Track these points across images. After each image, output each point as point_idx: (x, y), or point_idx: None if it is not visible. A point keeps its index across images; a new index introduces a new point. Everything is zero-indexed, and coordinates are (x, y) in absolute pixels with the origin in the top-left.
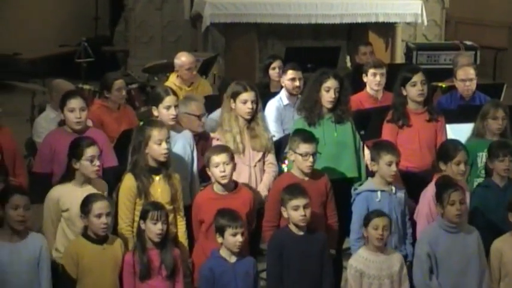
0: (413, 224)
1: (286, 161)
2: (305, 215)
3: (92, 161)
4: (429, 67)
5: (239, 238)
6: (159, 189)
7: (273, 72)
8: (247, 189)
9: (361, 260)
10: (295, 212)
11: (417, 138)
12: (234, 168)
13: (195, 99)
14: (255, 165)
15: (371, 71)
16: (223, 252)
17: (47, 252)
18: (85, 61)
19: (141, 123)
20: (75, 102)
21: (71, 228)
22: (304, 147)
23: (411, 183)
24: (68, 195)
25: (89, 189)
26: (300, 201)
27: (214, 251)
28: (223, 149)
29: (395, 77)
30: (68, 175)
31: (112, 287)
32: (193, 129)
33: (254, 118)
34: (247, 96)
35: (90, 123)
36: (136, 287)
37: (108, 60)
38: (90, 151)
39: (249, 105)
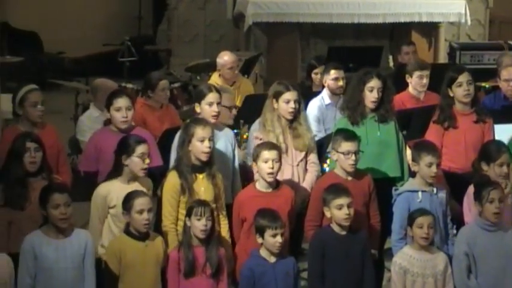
0: (458, 225)
1: (328, 161)
2: (349, 214)
3: (142, 158)
4: (473, 67)
5: (279, 239)
6: (202, 187)
7: (316, 77)
8: (289, 188)
9: (405, 257)
10: (339, 211)
11: (463, 140)
12: (279, 168)
13: (226, 91)
14: (297, 165)
15: (417, 73)
16: (263, 252)
17: (92, 248)
18: (128, 60)
19: (188, 121)
20: (121, 102)
21: (117, 225)
22: (346, 146)
23: (456, 184)
24: (115, 192)
25: (136, 186)
26: (344, 200)
27: (254, 250)
28: (274, 146)
29: (438, 77)
30: (116, 172)
31: (154, 283)
32: (223, 122)
33: (296, 118)
34: (290, 96)
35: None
36: (181, 284)
37: (150, 59)
38: (141, 148)
39: (291, 104)
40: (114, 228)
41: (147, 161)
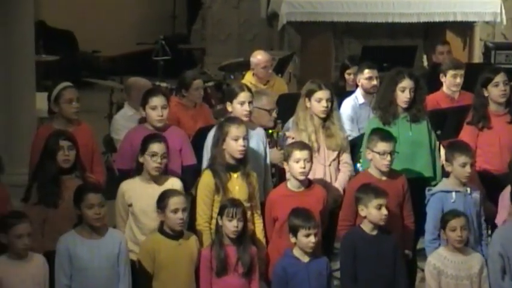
0: (493, 227)
1: (361, 160)
2: (387, 214)
3: (152, 157)
4: (508, 67)
5: (312, 239)
6: (237, 186)
7: (349, 77)
8: (320, 187)
9: (439, 258)
10: (378, 211)
11: (497, 141)
12: (311, 167)
13: (266, 94)
14: (329, 164)
15: (451, 72)
16: (297, 252)
17: (126, 248)
18: (162, 59)
19: (222, 120)
20: (157, 100)
21: (136, 224)
22: (382, 146)
23: (491, 185)
24: (133, 190)
25: (155, 187)
26: (383, 201)
27: (287, 250)
28: (305, 145)
29: (473, 77)
30: (137, 170)
31: (188, 282)
32: (263, 124)
33: (329, 117)
34: (322, 94)
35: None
36: (213, 283)
37: (184, 58)
38: (153, 147)
39: (323, 103)
40: (134, 227)
41: (159, 160)
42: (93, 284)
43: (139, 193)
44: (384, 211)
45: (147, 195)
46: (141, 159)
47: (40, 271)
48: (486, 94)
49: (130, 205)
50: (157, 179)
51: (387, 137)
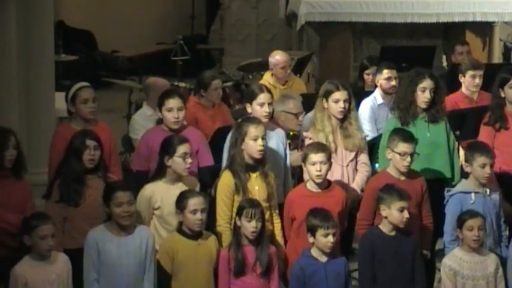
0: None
1: (380, 161)
2: (408, 218)
3: (184, 158)
4: None
5: (330, 239)
6: (256, 186)
7: (367, 78)
8: (340, 188)
9: (455, 259)
10: (400, 213)
11: None
12: (329, 168)
13: (293, 98)
14: (347, 165)
15: (470, 72)
16: (315, 252)
17: (152, 244)
18: (181, 59)
19: (240, 120)
20: (173, 102)
21: (163, 226)
22: (403, 147)
23: (508, 186)
24: (159, 193)
25: (180, 187)
26: (406, 203)
27: (305, 250)
28: (321, 148)
29: (493, 77)
30: (159, 172)
31: (206, 282)
32: (291, 128)
33: (347, 117)
34: (340, 95)
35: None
36: (231, 283)
37: (203, 58)
38: (182, 148)
39: (341, 104)
40: (160, 229)
41: (189, 160)
42: (120, 280)
43: (166, 196)
44: (406, 214)
45: (175, 197)
46: (168, 162)
47: (64, 271)
48: (503, 95)
49: (157, 208)
50: (182, 179)
51: (408, 138)
